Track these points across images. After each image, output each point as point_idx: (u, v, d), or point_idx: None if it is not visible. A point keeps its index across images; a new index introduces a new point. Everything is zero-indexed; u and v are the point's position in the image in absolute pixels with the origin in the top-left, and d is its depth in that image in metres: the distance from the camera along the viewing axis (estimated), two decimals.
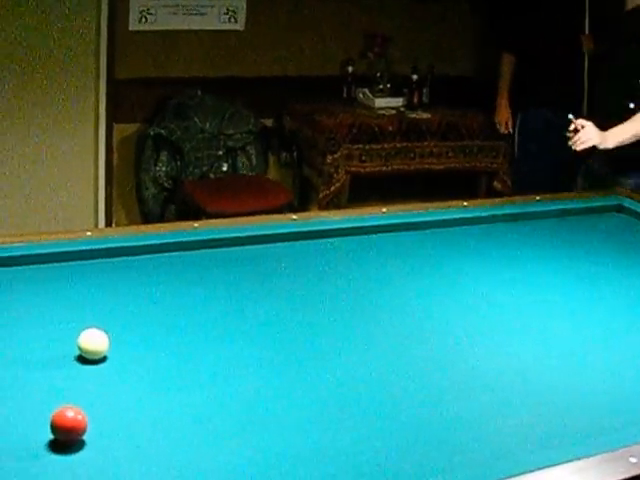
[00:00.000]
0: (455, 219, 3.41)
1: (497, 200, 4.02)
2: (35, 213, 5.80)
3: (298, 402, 2.13)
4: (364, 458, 1.91)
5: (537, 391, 2.24)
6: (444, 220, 3.38)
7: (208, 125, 5.79)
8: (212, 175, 5.83)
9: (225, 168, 5.87)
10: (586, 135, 3.79)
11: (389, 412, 2.11)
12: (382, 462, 1.90)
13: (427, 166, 5.86)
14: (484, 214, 3.47)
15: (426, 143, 5.82)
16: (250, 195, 5.56)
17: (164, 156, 5.73)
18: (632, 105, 4.00)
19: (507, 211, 3.54)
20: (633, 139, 3.91)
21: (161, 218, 5.76)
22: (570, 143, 3.84)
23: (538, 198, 3.70)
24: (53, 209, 5.84)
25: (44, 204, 5.83)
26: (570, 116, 3.83)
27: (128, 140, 5.90)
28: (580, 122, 3.83)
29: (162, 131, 5.70)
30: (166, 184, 5.77)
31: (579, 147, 3.83)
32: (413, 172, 5.87)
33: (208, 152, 5.81)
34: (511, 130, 5.70)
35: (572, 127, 3.82)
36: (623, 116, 3.93)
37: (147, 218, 5.85)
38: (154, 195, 5.79)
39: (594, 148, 3.86)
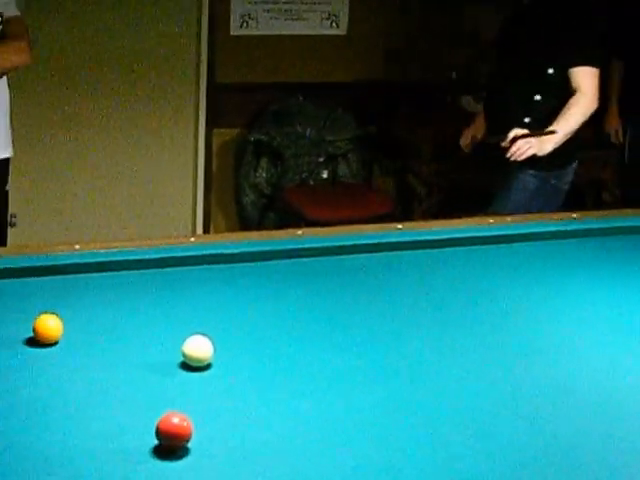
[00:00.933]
0: (564, 231, 3.36)
1: (607, 212, 3.96)
2: (134, 218, 5.89)
3: (399, 412, 2.13)
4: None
5: None
6: (553, 232, 3.34)
7: (309, 131, 5.81)
8: (312, 182, 5.85)
9: (325, 175, 5.88)
10: (526, 144, 3.87)
11: (499, 427, 2.10)
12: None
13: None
14: (594, 226, 3.42)
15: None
16: (351, 203, 5.57)
17: (264, 162, 5.78)
18: None
19: (617, 224, 3.48)
20: (566, 137, 3.98)
21: (259, 225, 5.80)
22: (508, 155, 3.91)
23: None
24: (152, 214, 5.93)
25: (143, 209, 5.92)
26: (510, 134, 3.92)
27: (227, 146, 5.96)
28: (515, 131, 3.91)
29: (263, 137, 5.74)
30: (265, 191, 5.81)
31: (520, 158, 3.90)
32: None
33: (308, 159, 5.82)
34: (621, 139, 5.60)
35: (509, 138, 3.90)
36: None
37: (245, 224, 5.90)
38: (253, 202, 5.83)
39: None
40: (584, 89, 4.01)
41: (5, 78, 4.05)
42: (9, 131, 4.16)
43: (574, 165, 4.26)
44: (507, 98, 4.22)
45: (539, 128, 4.00)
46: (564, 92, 4.05)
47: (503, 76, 4.30)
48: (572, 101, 3.99)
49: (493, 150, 4.12)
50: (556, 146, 3.96)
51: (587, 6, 4.19)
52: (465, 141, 4.63)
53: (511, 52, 4.26)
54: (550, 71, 4.09)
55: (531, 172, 4.09)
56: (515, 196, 4.17)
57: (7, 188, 4.26)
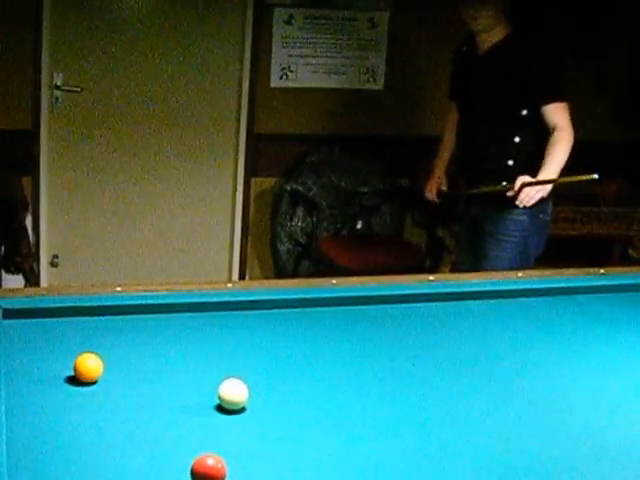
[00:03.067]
0: (591, 286, 3.35)
1: (634, 268, 3.94)
2: (173, 261, 5.93)
3: (433, 464, 2.12)
4: None
5: None
6: (580, 287, 3.33)
7: (344, 183, 5.85)
8: (346, 232, 5.88)
9: (359, 226, 5.91)
10: (532, 189, 3.92)
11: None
12: None
13: (560, 232, 5.80)
14: (620, 282, 3.40)
15: (560, 208, 5.75)
16: (383, 254, 5.58)
17: (300, 212, 5.81)
18: None
19: None
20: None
21: (294, 273, 5.82)
22: (517, 202, 3.96)
23: None
24: (190, 259, 5.97)
25: (182, 253, 5.96)
26: (504, 183, 4.00)
27: (265, 194, 5.99)
28: (521, 179, 3.93)
29: (299, 187, 5.78)
30: (300, 239, 5.84)
31: (529, 204, 3.96)
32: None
33: (343, 209, 5.86)
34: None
35: (516, 187, 3.93)
36: None
37: (280, 272, 5.92)
38: (288, 250, 5.86)
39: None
40: (561, 124, 4.03)
41: None
42: None
43: (552, 196, 4.23)
44: (485, 144, 4.23)
45: (521, 169, 4.05)
46: (540, 130, 4.07)
47: (473, 124, 4.30)
48: (554, 139, 4.01)
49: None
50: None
51: (547, 41, 4.26)
52: (431, 194, 4.64)
53: (477, 100, 4.26)
54: (524, 112, 4.10)
55: (523, 211, 4.09)
56: (513, 238, 4.22)
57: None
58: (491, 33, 4.13)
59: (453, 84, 4.57)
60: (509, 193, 3.99)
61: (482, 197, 4.25)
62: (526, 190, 3.94)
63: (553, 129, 4.02)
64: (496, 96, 4.16)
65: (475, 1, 4.03)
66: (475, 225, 4.39)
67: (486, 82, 4.20)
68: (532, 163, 4.04)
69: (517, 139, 4.14)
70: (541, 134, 4.06)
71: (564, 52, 4.35)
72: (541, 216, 4.24)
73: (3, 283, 4.55)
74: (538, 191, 3.96)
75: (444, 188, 4.64)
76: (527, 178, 3.96)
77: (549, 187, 4.02)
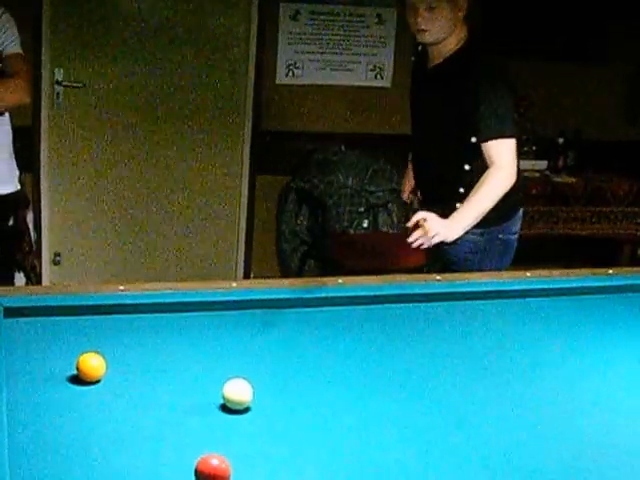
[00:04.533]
0: (600, 287, 3.36)
1: None
2: (177, 260, 5.94)
3: (438, 463, 2.13)
4: None
5: None
6: (588, 287, 3.34)
7: (350, 181, 5.85)
8: (352, 231, 5.88)
9: (366, 224, 5.91)
10: (432, 230, 3.17)
11: None
12: None
13: (570, 231, 5.81)
14: (632, 283, 3.41)
15: (569, 208, 5.77)
16: (390, 253, 5.58)
17: (306, 210, 5.82)
18: None
19: None
20: (477, 219, 3.44)
21: (299, 271, 5.83)
22: (411, 240, 3.20)
23: None
24: (194, 257, 5.98)
25: (186, 252, 5.97)
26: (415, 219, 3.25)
27: (270, 192, 6.00)
28: (421, 215, 3.22)
29: (305, 185, 5.79)
30: (306, 238, 5.84)
31: (424, 246, 3.23)
32: (555, 237, 5.82)
33: (349, 208, 5.86)
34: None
35: (411, 223, 3.24)
36: None
37: (285, 271, 5.93)
38: (293, 248, 5.87)
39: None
40: (499, 163, 3.48)
41: (7, 115, 4.04)
42: (13, 166, 4.16)
43: (519, 213, 3.91)
44: (436, 168, 3.86)
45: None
46: (476, 159, 3.64)
47: (426, 145, 3.91)
48: (486, 177, 3.46)
49: None
50: (466, 229, 3.40)
51: (494, 72, 3.65)
52: (407, 198, 4.35)
53: (426, 120, 3.87)
54: (473, 140, 3.57)
55: (477, 231, 3.63)
56: (466, 261, 3.79)
57: (20, 222, 4.21)
58: (444, 43, 3.64)
59: (410, 97, 4.08)
60: (407, 224, 3.34)
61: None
62: (419, 231, 3.21)
63: (489, 165, 3.49)
64: (444, 120, 3.73)
65: (421, 9, 3.54)
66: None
67: (433, 102, 3.77)
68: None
69: (467, 167, 3.70)
70: (475, 161, 3.66)
71: (510, 83, 3.73)
72: (501, 236, 3.82)
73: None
74: (437, 234, 3.20)
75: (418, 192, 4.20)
76: (426, 215, 3.24)
77: (454, 232, 3.31)
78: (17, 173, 4.17)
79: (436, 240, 3.22)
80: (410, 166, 4.25)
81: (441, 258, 3.86)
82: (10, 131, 4.08)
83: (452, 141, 3.72)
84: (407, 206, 4.54)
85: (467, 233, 3.46)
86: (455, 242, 3.39)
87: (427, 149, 3.91)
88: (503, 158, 3.50)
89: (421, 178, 4.06)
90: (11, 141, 4.09)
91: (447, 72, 3.67)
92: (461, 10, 3.60)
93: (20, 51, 3.97)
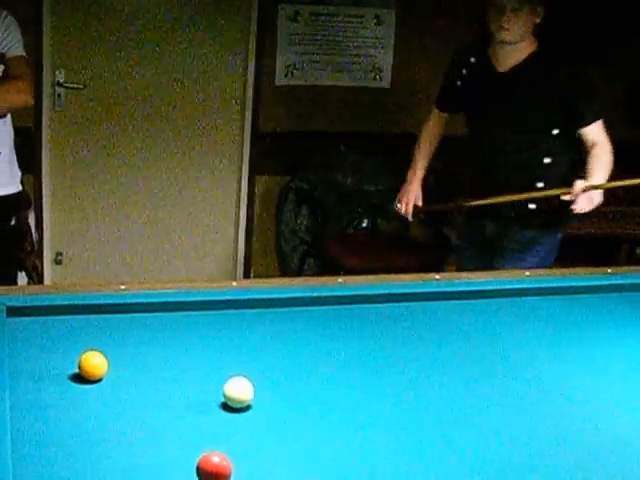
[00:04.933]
0: (598, 286, 3.36)
1: None
2: (177, 260, 5.95)
3: (439, 461, 2.13)
4: None
5: None
6: (587, 286, 3.34)
7: (350, 181, 5.86)
8: (351, 231, 5.89)
9: (365, 224, 5.92)
10: (589, 195, 3.82)
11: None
12: None
13: (568, 230, 5.79)
14: (631, 282, 3.40)
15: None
16: (389, 252, 5.59)
17: (305, 210, 5.82)
18: None
19: None
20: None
21: (299, 271, 5.83)
22: (576, 208, 3.82)
23: None
24: (194, 257, 5.98)
25: (186, 251, 5.97)
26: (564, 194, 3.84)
27: (270, 192, 6.00)
28: (580, 183, 3.80)
29: (304, 185, 5.79)
30: (305, 238, 5.85)
31: (588, 209, 3.85)
32: None
33: (348, 208, 5.87)
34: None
35: (576, 191, 3.78)
36: None
37: (285, 270, 5.93)
38: (293, 248, 5.87)
39: None
40: (601, 140, 3.95)
41: (9, 116, 4.05)
42: (15, 167, 4.16)
43: None
44: (512, 167, 4.09)
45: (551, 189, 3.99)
46: (569, 150, 4.06)
47: (495, 141, 4.13)
48: (596, 152, 3.93)
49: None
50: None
51: (580, 69, 4.09)
52: (406, 210, 4.36)
53: (499, 117, 4.09)
54: (555, 132, 4.02)
55: (546, 230, 4.13)
56: (534, 257, 4.13)
57: (21, 223, 4.22)
58: (517, 47, 3.98)
59: (450, 95, 4.33)
60: (566, 197, 3.84)
61: (503, 213, 4.15)
62: (588, 194, 3.82)
63: (592, 146, 3.95)
64: (530, 116, 4.03)
65: (508, 9, 3.86)
66: (487, 241, 4.27)
67: (512, 100, 4.04)
68: (562, 184, 3.94)
69: (548, 160, 4.06)
70: (569, 153, 4.07)
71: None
72: (558, 235, 4.22)
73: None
74: (598, 196, 3.87)
75: (419, 203, 4.38)
76: (584, 183, 3.82)
77: (599, 198, 3.89)
78: (19, 174, 4.17)
79: (598, 202, 3.86)
80: (413, 173, 4.40)
81: (503, 258, 4.15)
82: (12, 132, 4.08)
83: (535, 137, 4.05)
84: (396, 215, 4.54)
85: (536, 232, 4.08)
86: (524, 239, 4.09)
87: (503, 144, 4.11)
88: (604, 136, 3.98)
89: (488, 175, 4.19)
90: (13, 142, 4.09)
91: (528, 71, 3.99)
92: (538, 17, 3.96)
93: (23, 53, 3.97)
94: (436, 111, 4.44)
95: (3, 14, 3.91)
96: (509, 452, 2.20)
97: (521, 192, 4.03)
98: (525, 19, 3.89)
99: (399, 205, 4.40)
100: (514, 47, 3.97)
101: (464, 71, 4.21)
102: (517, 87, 4.02)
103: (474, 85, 4.18)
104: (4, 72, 3.91)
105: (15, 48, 3.93)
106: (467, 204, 4.26)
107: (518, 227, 4.15)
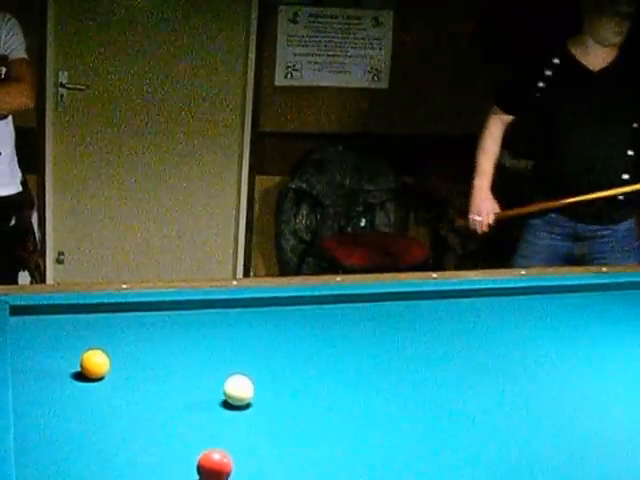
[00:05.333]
0: (593, 284, 3.36)
1: (637, 267, 3.95)
2: (179, 259, 5.95)
3: (435, 458, 2.14)
4: None
5: None
6: (583, 285, 3.34)
7: (348, 181, 5.87)
8: (350, 230, 5.90)
9: (363, 224, 5.94)
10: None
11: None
12: None
13: None
14: (624, 280, 3.40)
15: None
16: (387, 251, 5.59)
17: (304, 209, 5.84)
18: None
19: None
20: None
21: (298, 269, 5.84)
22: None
23: None
24: (195, 256, 5.98)
25: (187, 251, 5.98)
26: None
27: (269, 192, 6.01)
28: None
29: (303, 185, 5.80)
30: (305, 237, 5.86)
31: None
32: None
33: (347, 207, 5.88)
34: None
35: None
36: None
37: (285, 269, 5.94)
38: (292, 247, 5.88)
39: None
40: None
41: (10, 117, 4.05)
42: (16, 168, 4.17)
43: None
44: (597, 158, 4.09)
45: (636, 182, 4.06)
46: None
47: (591, 135, 4.08)
48: None
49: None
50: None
51: None
52: (484, 220, 4.19)
53: (590, 115, 4.07)
54: (635, 125, 4.10)
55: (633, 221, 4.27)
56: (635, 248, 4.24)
57: (24, 223, 4.23)
58: (613, 48, 4.08)
59: (525, 97, 4.21)
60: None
61: (595, 209, 4.12)
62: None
63: None
64: (625, 112, 4.10)
65: (626, 16, 3.95)
66: (576, 240, 4.20)
67: (604, 98, 4.06)
68: None
69: (630, 152, 4.11)
70: None
71: None
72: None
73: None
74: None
75: (497, 210, 4.23)
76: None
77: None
78: (19, 174, 4.17)
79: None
80: (481, 180, 4.26)
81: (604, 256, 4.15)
82: (13, 133, 4.09)
83: (618, 129, 4.11)
84: (461, 228, 4.55)
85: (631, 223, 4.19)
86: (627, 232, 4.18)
87: (591, 139, 4.09)
88: None
89: (577, 168, 4.11)
90: (14, 143, 4.10)
91: (621, 68, 4.08)
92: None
93: (25, 56, 3.99)
94: (499, 112, 4.29)
95: (7, 17, 3.92)
96: (503, 447, 2.20)
97: (604, 189, 4.06)
98: (630, 21, 4.00)
99: (478, 217, 4.22)
100: (612, 48, 4.08)
101: (547, 72, 4.14)
102: (610, 84, 4.07)
103: (565, 85, 4.14)
104: (6, 74, 3.91)
105: (18, 51, 3.94)
106: (553, 204, 4.14)
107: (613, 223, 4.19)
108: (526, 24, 5.89)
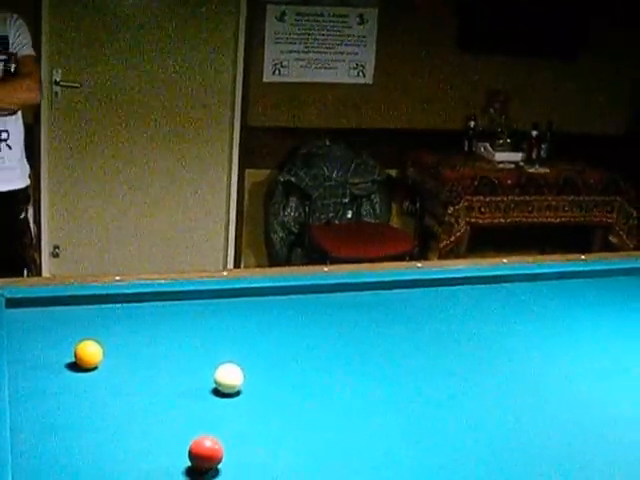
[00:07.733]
0: (573, 272, 3.35)
1: (616, 254, 3.94)
2: (170, 251, 5.94)
3: (421, 444, 2.13)
4: None
5: None
6: (563, 272, 3.33)
7: (335, 174, 5.86)
8: (337, 221, 5.90)
9: (350, 215, 5.94)
10: None
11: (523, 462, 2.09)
12: None
13: (544, 219, 5.80)
14: (604, 267, 3.40)
15: (543, 197, 5.75)
16: (373, 242, 5.59)
17: (293, 202, 5.82)
18: None
19: (627, 265, 3.46)
20: None
21: (287, 260, 5.83)
22: None
23: None
24: (187, 248, 5.97)
25: (179, 243, 5.97)
26: None
27: (259, 185, 6.00)
28: None
29: (292, 178, 5.79)
30: (293, 228, 5.85)
31: None
32: (529, 224, 5.81)
33: (334, 199, 5.88)
34: None
35: None
36: None
37: (274, 260, 5.93)
38: (282, 238, 5.87)
39: None
40: None
41: (20, 113, 4.07)
42: (25, 162, 4.18)
43: None
44: None
45: None
46: None
47: None
48: None
49: None
50: None
51: None
52: None
53: None
54: None
55: None
56: None
57: (26, 216, 4.21)
58: None
59: None
60: None
61: None
62: None
63: None
64: None
65: None
66: None
67: None
68: None
69: None
70: None
71: None
72: None
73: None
74: None
75: None
76: None
77: None
78: (28, 168, 4.20)
79: None
80: None
81: None
82: (23, 129, 4.11)
83: None
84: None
85: None
86: None
87: None
88: None
89: None
90: (23, 138, 4.11)
91: None
92: None
93: (32, 53, 4.06)
94: None
95: (14, 17, 3.98)
96: (489, 434, 2.20)
97: None
98: None
99: None
100: None
101: None
102: None
103: None
104: (16, 70, 3.94)
105: (26, 48, 4.00)
106: None
107: None
108: (510, 18, 5.91)
